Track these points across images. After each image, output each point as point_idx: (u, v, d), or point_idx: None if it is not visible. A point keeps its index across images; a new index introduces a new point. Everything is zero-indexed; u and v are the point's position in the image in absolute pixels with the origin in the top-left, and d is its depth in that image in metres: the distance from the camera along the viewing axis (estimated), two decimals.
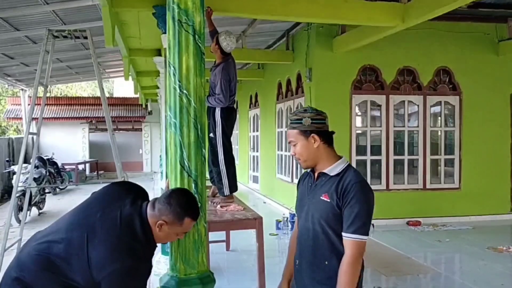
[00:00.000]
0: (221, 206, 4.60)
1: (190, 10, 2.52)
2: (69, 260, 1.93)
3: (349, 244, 1.96)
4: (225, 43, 4.54)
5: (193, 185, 2.61)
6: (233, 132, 4.87)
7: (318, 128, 2.09)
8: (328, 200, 2.02)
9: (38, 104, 5.84)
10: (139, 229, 2.01)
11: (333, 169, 2.08)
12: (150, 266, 2.08)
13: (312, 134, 2.07)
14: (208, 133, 4.62)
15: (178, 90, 2.54)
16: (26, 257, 2.00)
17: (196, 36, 2.55)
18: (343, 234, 1.98)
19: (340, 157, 2.14)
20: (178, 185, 2.54)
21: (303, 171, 2.26)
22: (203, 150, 2.58)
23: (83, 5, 6.52)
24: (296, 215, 2.31)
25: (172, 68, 2.54)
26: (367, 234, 1.97)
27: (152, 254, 2.14)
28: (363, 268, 2.04)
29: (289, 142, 2.16)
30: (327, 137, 2.12)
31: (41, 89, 5.22)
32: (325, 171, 2.10)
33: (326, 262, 2.04)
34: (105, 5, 4.44)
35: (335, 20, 6.30)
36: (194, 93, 2.56)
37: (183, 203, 2.11)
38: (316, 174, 2.16)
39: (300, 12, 5.47)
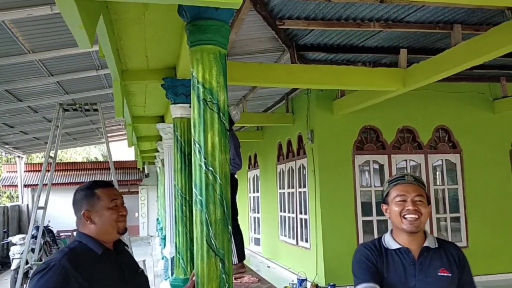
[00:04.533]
0: (234, 278, 4.47)
1: (215, 90, 2.56)
2: None
3: None
4: (234, 111, 4.63)
5: (220, 264, 2.54)
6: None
7: None
8: (450, 275, 1.99)
9: (35, 185, 5.80)
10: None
11: (430, 241, 2.05)
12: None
13: (430, 204, 2.07)
14: None
15: (204, 167, 2.54)
16: None
17: (221, 114, 2.57)
18: None
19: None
20: (205, 265, 2.47)
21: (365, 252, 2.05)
22: (229, 227, 2.54)
23: (86, 76, 6.68)
24: None
25: (197, 145, 2.55)
26: None
27: (106, 261, 1.96)
28: None
29: (416, 196, 2.00)
30: None
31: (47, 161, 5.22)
32: (426, 244, 2.03)
33: None
34: (117, 79, 4.53)
35: (338, 86, 6.48)
36: (219, 169, 2.56)
37: (83, 187, 2.08)
38: (418, 250, 2.03)
39: (304, 80, 5.63)
